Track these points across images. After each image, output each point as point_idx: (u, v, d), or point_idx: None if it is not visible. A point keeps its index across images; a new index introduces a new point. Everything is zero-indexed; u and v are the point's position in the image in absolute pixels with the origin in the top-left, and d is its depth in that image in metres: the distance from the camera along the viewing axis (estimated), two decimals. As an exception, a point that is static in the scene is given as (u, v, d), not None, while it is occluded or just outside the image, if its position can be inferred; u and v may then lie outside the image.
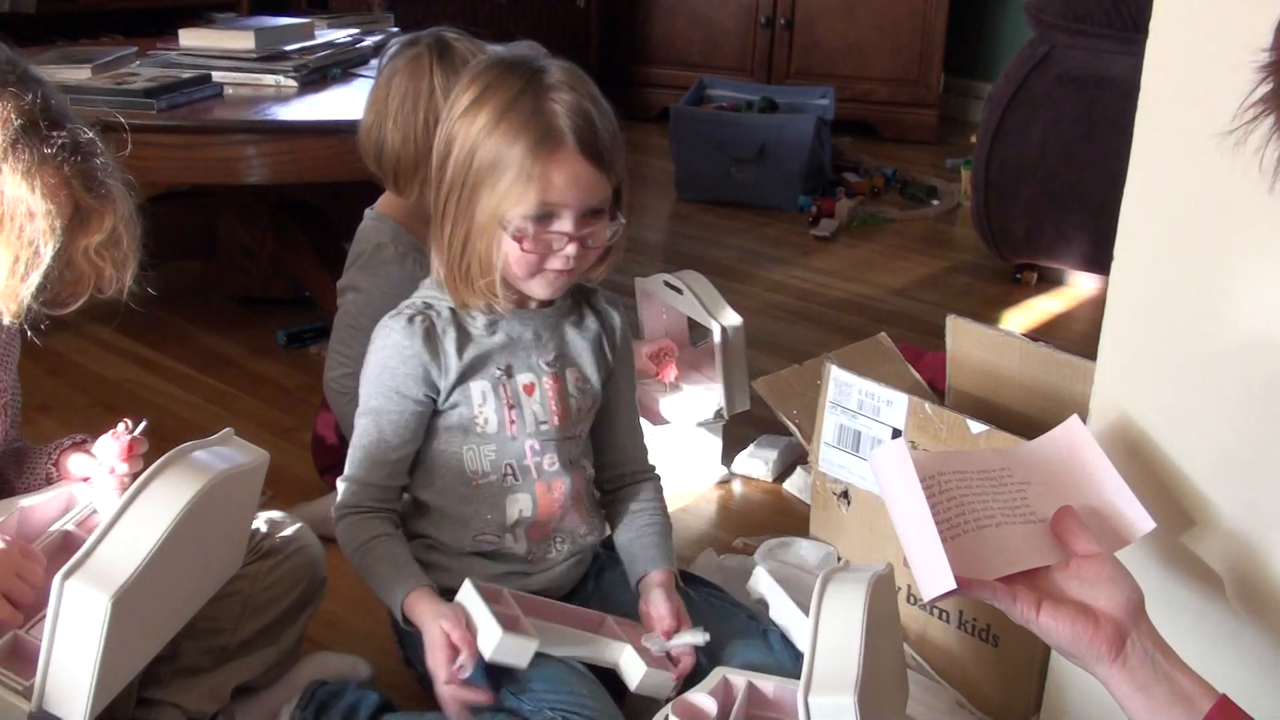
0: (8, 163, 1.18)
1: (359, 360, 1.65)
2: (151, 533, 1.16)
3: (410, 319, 1.46)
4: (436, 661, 1.36)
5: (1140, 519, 1.21)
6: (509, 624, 1.35)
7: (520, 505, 1.51)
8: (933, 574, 1.09)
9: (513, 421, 1.50)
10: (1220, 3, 1.16)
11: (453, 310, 1.48)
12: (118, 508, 1.17)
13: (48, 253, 1.21)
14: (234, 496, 1.31)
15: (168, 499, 1.18)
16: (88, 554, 1.14)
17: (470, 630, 1.36)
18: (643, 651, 1.43)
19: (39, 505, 1.34)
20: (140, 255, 1.33)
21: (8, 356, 1.39)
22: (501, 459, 1.50)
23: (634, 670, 1.42)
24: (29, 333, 1.29)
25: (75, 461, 1.40)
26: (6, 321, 1.25)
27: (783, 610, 1.62)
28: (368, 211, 1.96)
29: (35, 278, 1.21)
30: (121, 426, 1.36)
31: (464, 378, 1.47)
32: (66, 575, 1.12)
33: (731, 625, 1.54)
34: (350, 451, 1.49)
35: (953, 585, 1.07)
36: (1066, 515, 1.17)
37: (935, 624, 1.64)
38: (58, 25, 3.42)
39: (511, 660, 1.35)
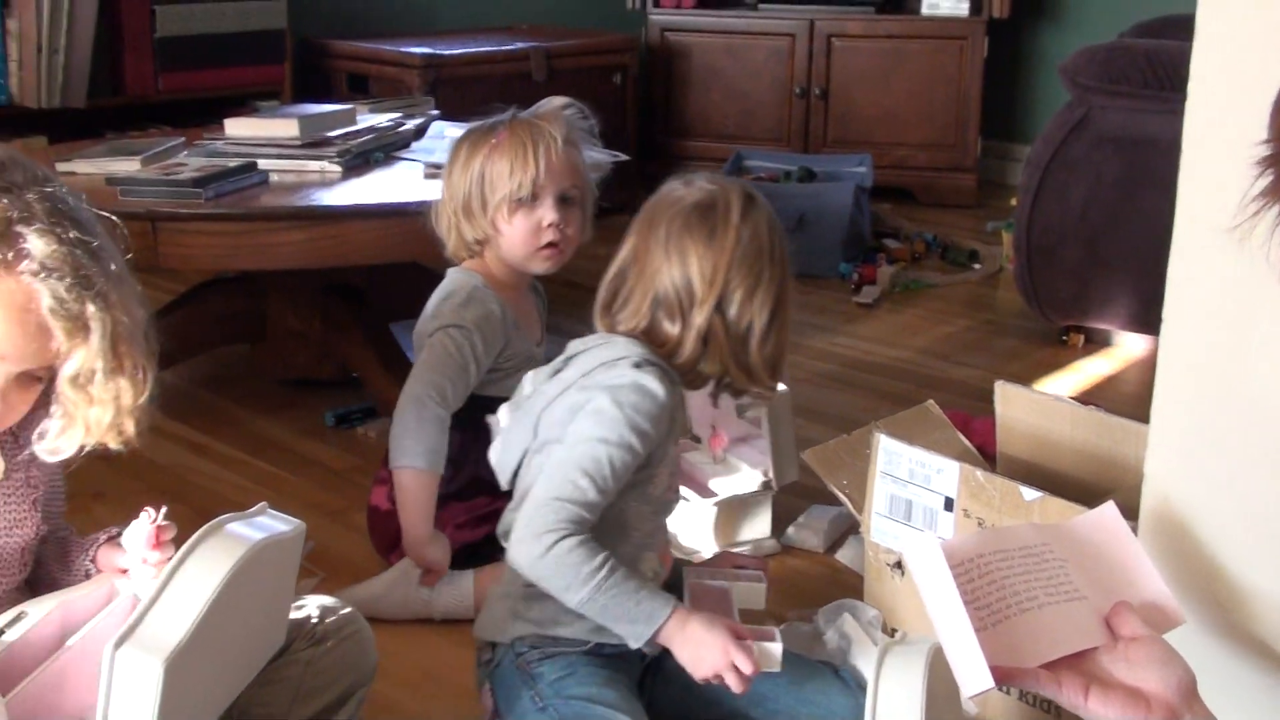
0: None
1: (451, 395, 1.93)
2: (197, 599, 1.17)
3: (663, 372, 1.50)
4: (739, 656, 1.41)
5: (1173, 612, 1.19)
6: (768, 635, 1.47)
7: (651, 564, 1.59)
8: (970, 672, 1.08)
9: (670, 487, 1.59)
10: (1257, 60, 1.16)
11: (666, 371, 1.53)
12: (161, 579, 1.18)
13: None
14: (274, 566, 1.32)
15: (210, 567, 1.19)
16: (136, 623, 1.15)
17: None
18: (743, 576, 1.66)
19: (81, 598, 1.35)
20: (136, 405, 1.28)
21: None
22: (659, 520, 1.59)
23: (759, 596, 1.66)
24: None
25: (111, 554, 1.40)
26: None
27: (865, 653, 1.62)
28: (452, 270, 2.06)
29: None
30: (144, 516, 1.36)
31: (674, 435, 1.55)
32: (118, 645, 1.13)
33: (806, 668, 1.59)
34: (567, 478, 1.46)
35: (990, 684, 1.07)
36: (1117, 603, 1.16)
37: (995, 696, 1.62)
38: (107, 118, 3.49)
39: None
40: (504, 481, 1.61)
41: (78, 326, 1.22)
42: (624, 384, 1.48)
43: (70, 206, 1.25)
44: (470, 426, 2.02)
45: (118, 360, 1.26)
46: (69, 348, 1.23)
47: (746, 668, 1.42)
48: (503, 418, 1.62)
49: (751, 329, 1.52)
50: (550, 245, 2.01)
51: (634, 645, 1.45)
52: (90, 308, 1.22)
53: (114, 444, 1.31)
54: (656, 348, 1.53)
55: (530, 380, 1.61)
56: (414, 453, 1.92)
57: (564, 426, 1.51)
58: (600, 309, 1.58)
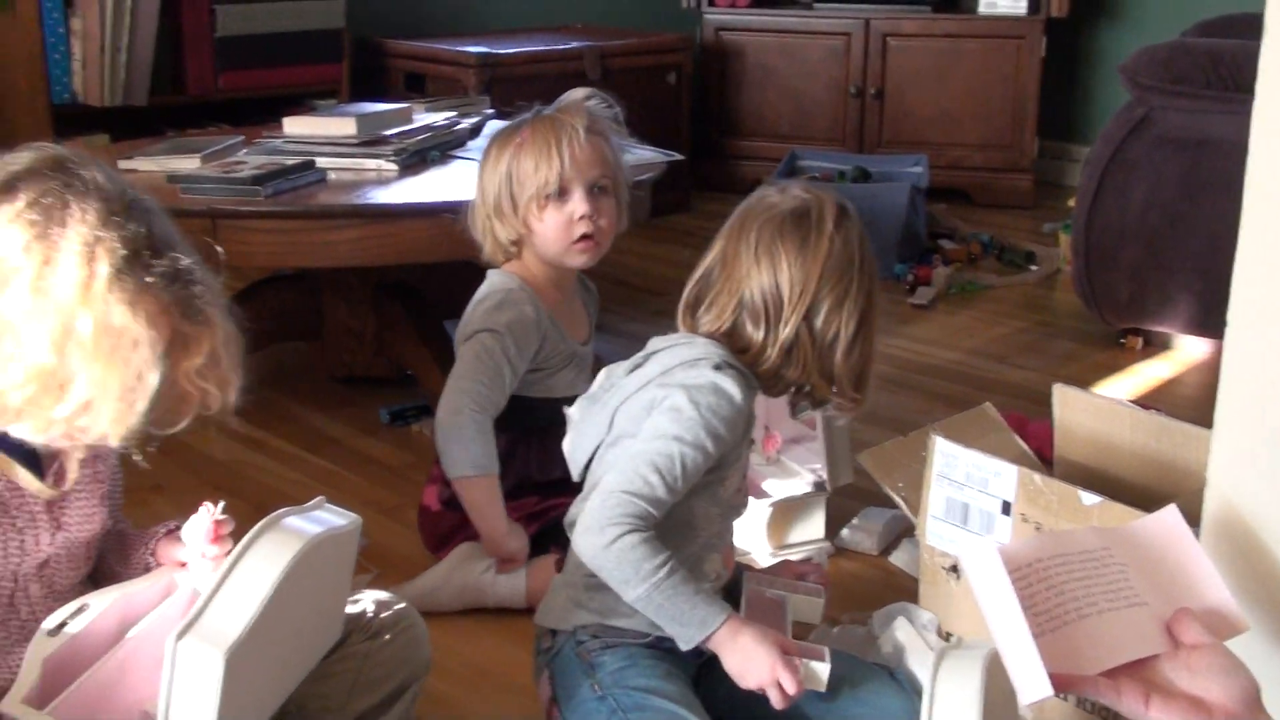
0: (113, 293, 1.20)
1: (488, 399, 1.92)
2: (257, 592, 1.19)
3: (741, 376, 1.50)
4: (785, 675, 1.41)
5: (1236, 619, 1.17)
6: (817, 655, 1.45)
7: (715, 565, 1.59)
8: (1028, 679, 1.07)
9: (739, 490, 1.59)
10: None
11: (745, 375, 1.52)
12: (221, 571, 1.20)
13: (153, 380, 1.22)
14: (331, 559, 1.34)
15: (269, 560, 1.21)
16: (197, 615, 1.17)
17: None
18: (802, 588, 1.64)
19: (141, 591, 1.37)
20: (242, 375, 1.34)
21: (105, 447, 1.42)
22: (725, 522, 1.59)
23: (816, 610, 1.64)
24: (137, 457, 1.30)
25: (170, 548, 1.43)
26: (114, 444, 1.26)
27: (920, 658, 1.61)
28: (491, 272, 2.06)
29: (142, 404, 1.23)
30: (204, 510, 1.38)
31: (747, 439, 1.56)
32: (180, 636, 1.15)
33: (862, 671, 1.58)
34: (637, 472, 1.46)
35: (1049, 691, 1.06)
36: (1179, 610, 1.14)
37: (1053, 702, 1.60)
38: (168, 116, 3.53)
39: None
40: (575, 473, 1.61)
41: (205, 323, 1.28)
42: (703, 384, 1.48)
43: (157, 209, 1.29)
44: (516, 428, 2.03)
45: (232, 343, 1.31)
46: (196, 342, 1.28)
47: (791, 687, 1.41)
48: (576, 411, 1.62)
49: (838, 339, 1.52)
50: (585, 238, 2.00)
51: (684, 647, 1.45)
52: (211, 305, 1.28)
53: (218, 413, 1.35)
54: (738, 352, 1.53)
55: (606, 374, 1.60)
56: (463, 462, 1.94)
57: (639, 422, 1.51)
58: (684, 309, 1.58)
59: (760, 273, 1.51)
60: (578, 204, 1.97)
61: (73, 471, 1.33)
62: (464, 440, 1.93)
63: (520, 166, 1.97)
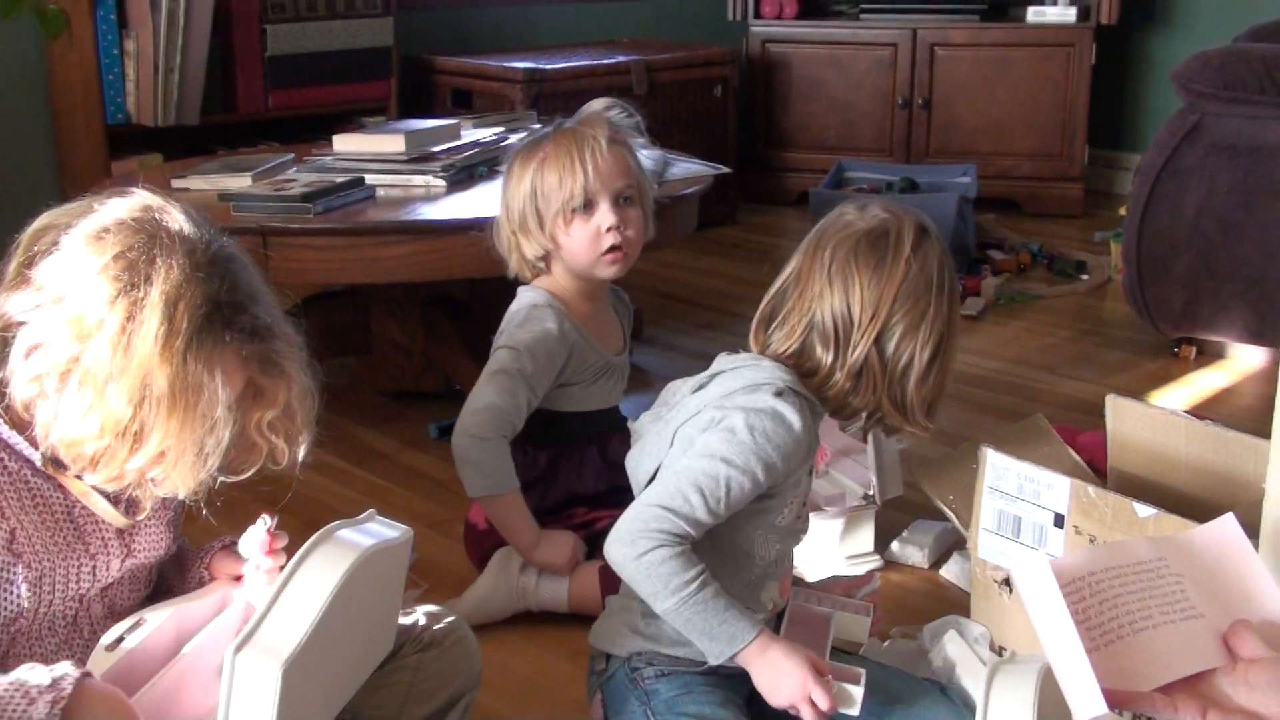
0: (191, 350, 1.20)
1: (503, 419, 1.90)
2: (312, 604, 1.20)
3: (805, 403, 1.47)
4: (817, 691, 1.40)
5: None
6: (852, 676, 1.43)
7: (771, 593, 1.56)
8: (1082, 695, 1.06)
9: (798, 516, 1.55)
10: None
11: (809, 401, 1.50)
12: (277, 584, 1.21)
13: (226, 435, 1.24)
14: (384, 571, 1.34)
15: (324, 572, 1.22)
16: (255, 628, 1.18)
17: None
18: (849, 606, 1.63)
19: (195, 605, 1.39)
20: (314, 429, 1.35)
21: None
22: (785, 549, 1.56)
23: (862, 629, 1.63)
24: (202, 509, 1.31)
25: (225, 562, 1.45)
26: (183, 495, 1.28)
27: (972, 673, 1.60)
28: (521, 288, 2.06)
29: (214, 459, 1.24)
30: (260, 522, 1.39)
31: (808, 465, 1.53)
32: (238, 649, 1.16)
33: (914, 686, 1.57)
34: (679, 489, 1.45)
35: (1104, 708, 1.04)
36: (1235, 622, 1.12)
37: (1108, 718, 1.58)
38: (219, 135, 3.58)
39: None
40: (637, 491, 1.58)
41: (281, 377, 1.29)
42: (763, 409, 1.44)
43: (240, 256, 1.29)
44: (556, 443, 2.04)
45: (307, 399, 1.33)
46: (271, 395, 1.29)
47: (824, 703, 1.39)
48: (641, 426, 1.61)
49: (911, 366, 1.47)
50: (613, 249, 1.98)
51: (712, 662, 1.44)
52: (289, 359, 1.29)
53: (284, 468, 1.36)
54: (806, 376, 1.50)
55: (671, 391, 1.58)
56: (476, 484, 1.95)
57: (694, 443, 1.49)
58: (757, 324, 1.55)
59: (832, 294, 1.47)
60: (604, 215, 1.96)
61: (146, 503, 1.35)
62: (474, 461, 1.94)
63: (544, 181, 1.96)
